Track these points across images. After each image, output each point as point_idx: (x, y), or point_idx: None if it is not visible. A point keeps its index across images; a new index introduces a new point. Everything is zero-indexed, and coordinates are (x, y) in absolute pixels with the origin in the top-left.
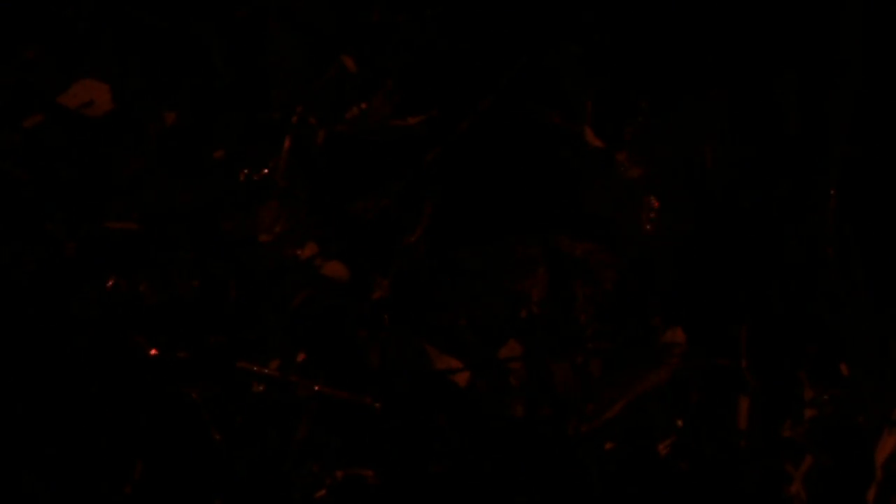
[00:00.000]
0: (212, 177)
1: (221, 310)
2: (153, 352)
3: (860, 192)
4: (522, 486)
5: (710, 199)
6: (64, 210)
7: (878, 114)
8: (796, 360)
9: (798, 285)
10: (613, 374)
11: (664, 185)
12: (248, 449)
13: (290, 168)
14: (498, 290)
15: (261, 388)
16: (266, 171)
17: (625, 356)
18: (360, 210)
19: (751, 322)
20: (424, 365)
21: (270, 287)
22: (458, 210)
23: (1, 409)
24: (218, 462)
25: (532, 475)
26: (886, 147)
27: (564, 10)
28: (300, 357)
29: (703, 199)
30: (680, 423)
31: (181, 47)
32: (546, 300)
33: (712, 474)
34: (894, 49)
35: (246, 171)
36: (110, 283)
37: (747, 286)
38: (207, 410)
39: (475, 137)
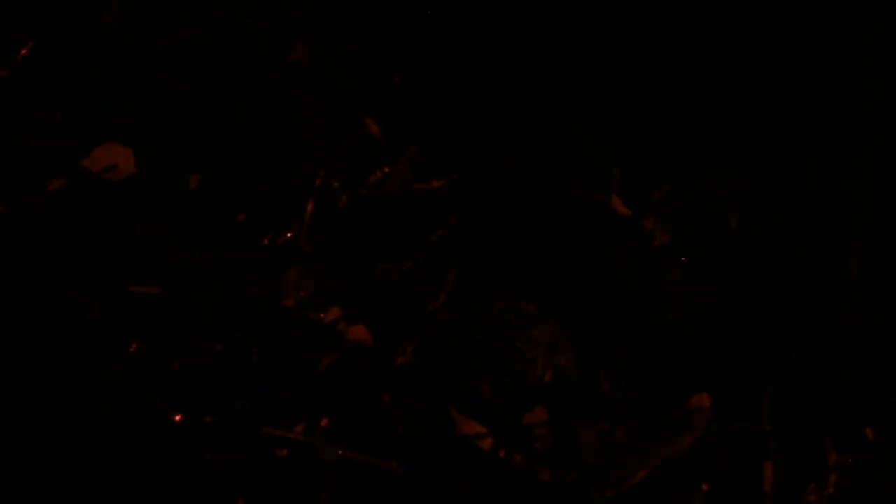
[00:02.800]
0: (235, 241)
1: (245, 374)
2: (178, 417)
3: (883, 255)
4: None
5: (734, 264)
6: (87, 274)
7: None
8: (821, 424)
9: (822, 349)
10: (639, 440)
11: (689, 250)
12: None
13: (314, 232)
14: (523, 356)
15: (284, 452)
16: (289, 235)
17: (650, 422)
18: (384, 274)
19: (775, 386)
20: (449, 430)
21: (294, 352)
22: (483, 274)
23: (25, 477)
24: None
25: None
26: None
27: (588, 76)
28: (324, 422)
29: (728, 264)
30: (706, 487)
31: (204, 111)
32: (571, 366)
33: None
34: None
35: (269, 235)
36: (133, 347)
37: (771, 350)
38: (231, 475)
39: (499, 201)
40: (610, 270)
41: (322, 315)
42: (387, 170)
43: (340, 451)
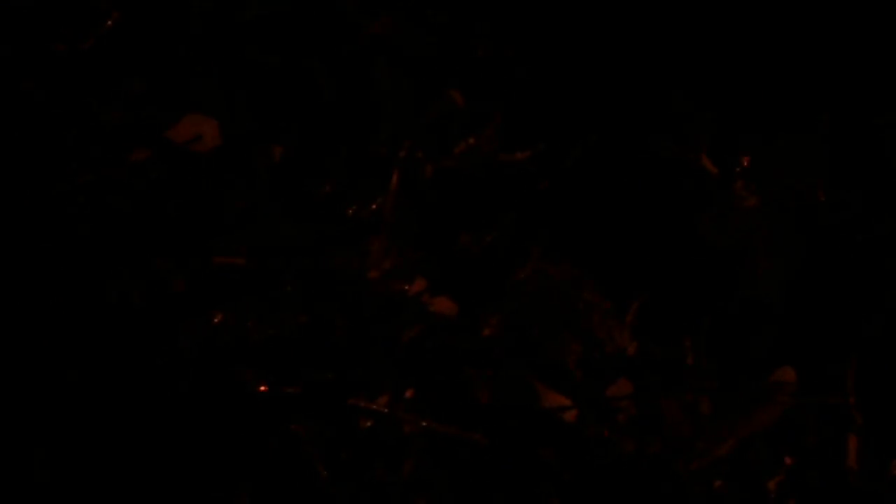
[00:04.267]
0: (319, 212)
1: (329, 346)
2: (262, 388)
3: None
4: None
5: (821, 235)
6: (171, 246)
7: None
8: None
9: None
10: (723, 413)
11: (776, 219)
12: (354, 485)
13: (398, 203)
14: (607, 328)
15: (368, 424)
16: (374, 206)
17: (734, 394)
18: (469, 245)
19: (859, 359)
20: (533, 402)
21: (379, 323)
22: (569, 244)
23: (111, 448)
24: (324, 499)
25: None
26: None
27: (675, 42)
28: (408, 393)
29: (815, 234)
30: (789, 461)
31: (289, 82)
32: (653, 337)
33: None
34: None
35: (354, 206)
36: (217, 319)
37: (856, 322)
38: (314, 447)
39: (584, 170)
40: (697, 234)
41: (406, 286)
42: (471, 141)
43: (424, 423)
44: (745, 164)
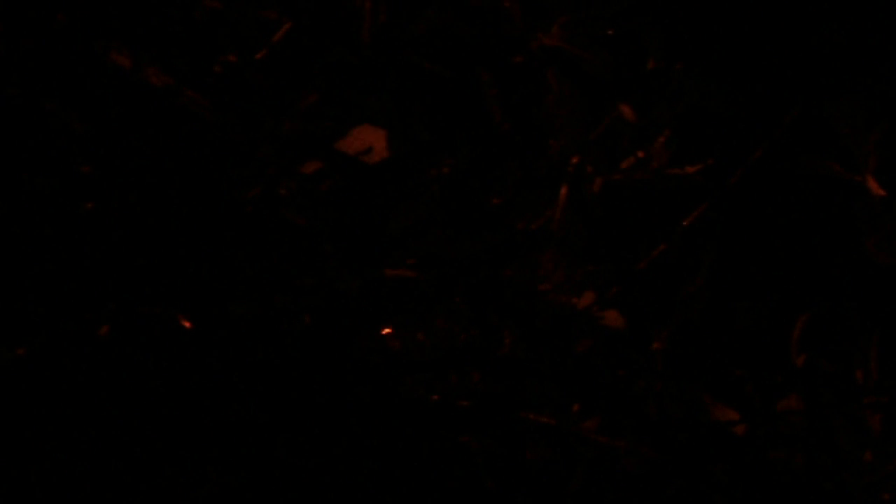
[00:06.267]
0: (489, 225)
1: (499, 358)
2: (434, 397)
3: None
4: None
5: None
6: (342, 258)
7: None
8: None
9: None
10: (894, 428)
11: None
12: (521, 498)
13: (567, 217)
14: (775, 342)
15: (535, 436)
16: (543, 219)
17: None
18: (638, 259)
19: None
20: (702, 416)
21: (548, 336)
22: (738, 260)
23: (280, 457)
24: None
25: None
26: None
27: (840, 59)
28: (576, 407)
29: None
30: None
31: (458, 94)
32: (824, 352)
33: None
34: None
35: (523, 219)
36: (388, 330)
37: None
38: (483, 458)
39: (752, 186)
40: (863, 252)
41: (576, 300)
42: (641, 155)
43: (592, 437)
44: None
